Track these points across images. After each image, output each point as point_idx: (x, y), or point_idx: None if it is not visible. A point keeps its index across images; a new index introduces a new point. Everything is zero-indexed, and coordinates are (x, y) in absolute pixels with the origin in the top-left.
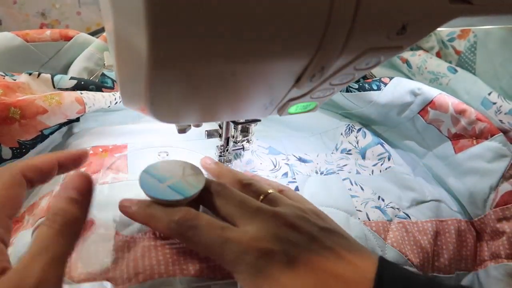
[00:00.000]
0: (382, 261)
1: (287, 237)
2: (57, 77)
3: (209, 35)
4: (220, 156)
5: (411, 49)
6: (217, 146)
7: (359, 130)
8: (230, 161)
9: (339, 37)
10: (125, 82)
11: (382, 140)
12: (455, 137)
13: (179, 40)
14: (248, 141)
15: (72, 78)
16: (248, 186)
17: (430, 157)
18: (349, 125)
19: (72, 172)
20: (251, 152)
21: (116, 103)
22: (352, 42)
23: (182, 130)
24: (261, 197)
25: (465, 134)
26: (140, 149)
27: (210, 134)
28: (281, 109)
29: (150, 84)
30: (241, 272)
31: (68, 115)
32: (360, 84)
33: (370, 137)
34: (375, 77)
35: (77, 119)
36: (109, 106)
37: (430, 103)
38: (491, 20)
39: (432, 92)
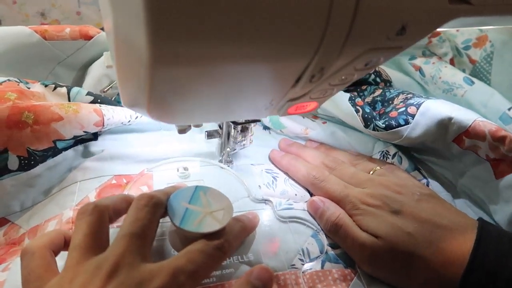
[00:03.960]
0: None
1: (393, 197)
2: (73, 91)
3: (209, 35)
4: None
5: (424, 55)
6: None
7: (394, 155)
8: (231, 161)
9: (339, 37)
10: (125, 82)
11: (418, 166)
12: (494, 161)
13: (179, 39)
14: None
15: (89, 93)
16: (358, 164)
17: (468, 178)
18: (383, 152)
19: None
20: (283, 181)
21: (137, 117)
22: (352, 43)
23: (182, 130)
24: (372, 172)
25: (505, 159)
26: (158, 168)
27: (210, 135)
28: (281, 110)
29: (149, 84)
30: (355, 215)
31: (84, 125)
32: (386, 123)
33: (406, 162)
34: (390, 79)
35: (94, 137)
36: (129, 121)
37: (464, 132)
38: (490, 21)
39: (465, 120)
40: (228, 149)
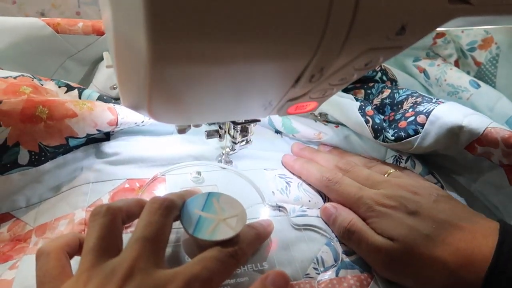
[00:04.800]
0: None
1: (409, 198)
2: (85, 94)
3: (209, 34)
4: (220, 156)
5: (428, 57)
6: (221, 147)
7: (407, 159)
8: (231, 162)
9: (338, 37)
10: (125, 82)
11: (432, 170)
12: (508, 167)
13: (178, 39)
14: (247, 141)
15: (99, 98)
16: (373, 167)
17: (482, 183)
18: (396, 156)
19: (274, 271)
20: (297, 187)
21: (150, 118)
22: (351, 43)
23: (182, 130)
24: (386, 174)
25: None
26: (171, 172)
27: (210, 134)
28: (280, 109)
29: (149, 84)
30: (370, 217)
31: (98, 124)
32: (396, 134)
33: (420, 167)
34: (395, 78)
35: (106, 138)
36: (142, 122)
37: (476, 140)
38: (490, 21)
39: (476, 127)
40: (227, 149)
